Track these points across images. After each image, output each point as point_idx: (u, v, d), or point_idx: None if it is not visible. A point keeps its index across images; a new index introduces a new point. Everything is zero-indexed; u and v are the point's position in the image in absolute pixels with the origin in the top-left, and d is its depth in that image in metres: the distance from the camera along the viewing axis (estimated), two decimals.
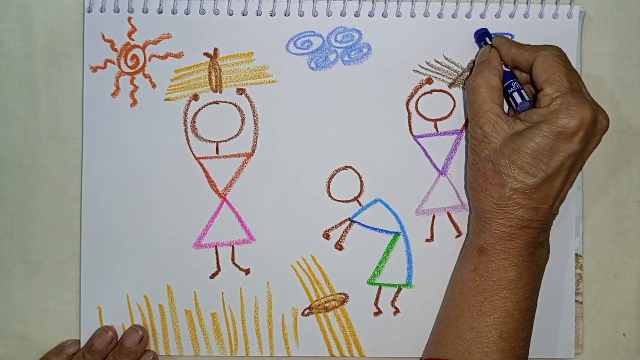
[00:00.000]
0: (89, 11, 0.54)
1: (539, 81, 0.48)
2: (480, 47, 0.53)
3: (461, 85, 0.55)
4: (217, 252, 0.54)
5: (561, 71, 0.47)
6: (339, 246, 0.54)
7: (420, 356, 0.54)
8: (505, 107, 0.51)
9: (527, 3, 0.54)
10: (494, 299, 0.48)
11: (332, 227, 0.54)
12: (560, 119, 0.46)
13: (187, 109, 0.54)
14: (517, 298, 0.48)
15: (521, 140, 0.47)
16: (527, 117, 0.48)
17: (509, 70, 0.51)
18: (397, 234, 0.54)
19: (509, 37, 0.53)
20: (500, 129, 0.48)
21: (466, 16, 0.54)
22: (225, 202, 0.54)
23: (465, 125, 0.54)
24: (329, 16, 0.54)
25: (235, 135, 0.54)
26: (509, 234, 0.48)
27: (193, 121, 0.54)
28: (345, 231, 0.54)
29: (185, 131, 0.54)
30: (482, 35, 0.53)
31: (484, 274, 0.48)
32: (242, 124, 0.54)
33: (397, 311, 0.54)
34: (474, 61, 0.54)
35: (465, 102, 0.54)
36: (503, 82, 0.50)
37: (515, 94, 0.49)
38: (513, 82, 0.50)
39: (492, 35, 0.53)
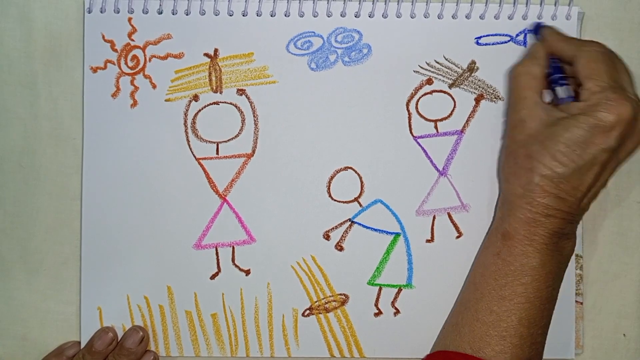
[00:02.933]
0: (89, 11, 0.54)
1: (581, 76, 0.48)
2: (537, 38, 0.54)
3: (461, 86, 0.55)
4: (217, 253, 0.54)
5: (603, 67, 0.47)
6: (339, 247, 0.54)
7: (422, 356, 0.54)
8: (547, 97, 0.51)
9: (526, 4, 0.54)
10: (515, 284, 0.48)
11: (333, 228, 0.54)
12: (599, 112, 0.46)
13: (187, 110, 0.54)
14: (539, 285, 0.48)
15: (557, 128, 0.47)
16: (565, 109, 0.48)
17: (557, 64, 0.51)
18: (397, 234, 0.54)
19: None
20: (537, 115, 0.48)
21: (466, 17, 0.54)
22: (225, 203, 0.54)
23: (465, 126, 0.55)
24: (329, 17, 0.54)
25: (236, 136, 0.54)
26: (534, 220, 0.48)
27: (193, 122, 0.54)
28: (346, 232, 0.54)
29: (186, 132, 0.54)
30: (537, 29, 0.53)
31: (506, 259, 0.48)
32: (243, 124, 0.54)
33: (397, 312, 0.54)
34: (474, 62, 0.54)
35: (465, 102, 0.54)
36: (550, 74, 0.50)
37: (559, 89, 0.50)
38: (559, 75, 0.50)
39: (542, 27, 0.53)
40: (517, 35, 0.54)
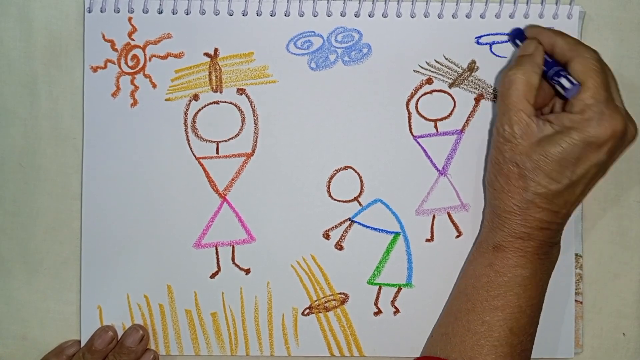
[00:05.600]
0: (89, 11, 0.54)
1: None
2: (516, 46, 0.53)
3: (461, 86, 0.55)
4: (217, 252, 0.54)
5: (599, 78, 0.47)
6: (339, 246, 0.54)
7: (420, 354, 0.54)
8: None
9: (527, 3, 0.54)
10: (507, 295, 0.48)
11: (332, 227, 0.54)
12: (593, 128, 0.45)
13: (187, 109, 0.54)
14: (530, 295, 0.48)
15: (550, 146, 0.46)
16: (557, 121, 0.47)
17: (550, 59, 0.49)
18: (397, 234, 0.54)
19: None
20: (531, 131, 0.47)
21: (466, 16, 0.54)
22: (225, 202, 0.54)
23: (465, 126, 0.54)
24: (329, 16, 0.54)
25: (236, 136, 0.54)
26: (528, 234, 0.48)
27: (193, 121, 0.54)
28: (346, 231, 0.54)
29: (186, 131, 0.54)
30: (517, 35, 0.52)
31: (499, 270, 0.48)
32: (243, 124, 0.54)
33: (397, 311, 0.54)
34: (474, 61, 0.54)
35: (464, 102, 0.54)
36: (546, 72, 0.49)
37: (563, 79, 0.48)
38: (557, 68, 0.48)
39: (526, 28, 0.52)
40: (518, 29, 0.54)
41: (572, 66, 0.48)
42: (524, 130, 0.47)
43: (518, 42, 0.52)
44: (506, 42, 0.54)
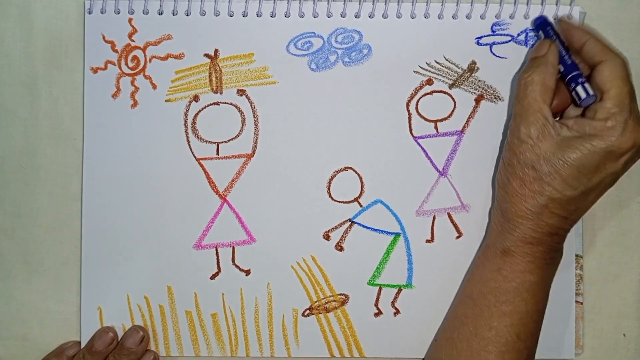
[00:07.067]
0: (90, 12, 0.54)
1: (600, 86, 0.47)
2: (538, 37, 0.52)
3: (462, 86, 0.55)
4: (217, 253, 0.54)
5: (626, 87, 0.46)
6: (339, 247, 0.54)
7: (422, 356, 0.54)
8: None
9: (527, 4, 0.54)
10: (516, 301, 0.48)
11: (333, 228, 0.54)
12: (616, 138, 0.45)
13: (187, 110, 0.54)
14: (537, 300, 0.48)
15: (570, 151, 0.46)
16: (577, 126, 0.47)
17: (571, 61, 0.48)
18: (397, 234, 0.54)
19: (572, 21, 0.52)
20: (548, 133, 0.46)
21: (466, 17, 0.54)
22: (225, 203, 0.54)
23: (465, 126, 0.54)
24: (329, 17, 0.54)
25: (236, 136, 0.54)
26: (538, 239, 0.47)
27: (193, 122, 0.54)
28: (346, 232, 0.54)
29: (186, 132, 0.54)
30: (541, 24, 0.51)
31: (508, 275, 0.48)
32: (243, 125, 0.54)
33: (397, 312, 0.54)
34: (474, 62, 0.54)
35: (465, 102, 0.54)
36: (566, 75, 0.48)
37: (580, 89, 0.47)
38: (577, 75, 0.48)
39: (556, 20, 0.51)
40: (519, 34, 0.54)
41: (599, 69, 0.47)
42: (542, 132, 0.47)
43: (542, 33, 0.51)
44: (506, 42, 0.54)
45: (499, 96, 0.54)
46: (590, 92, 0.47)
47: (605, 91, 0.47)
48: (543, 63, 0.48)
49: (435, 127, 0.55)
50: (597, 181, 0.46)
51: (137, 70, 0.54)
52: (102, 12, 0.54)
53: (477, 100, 0.54)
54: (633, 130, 0.45)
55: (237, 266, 0.54)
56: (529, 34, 0.54)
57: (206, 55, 0.54)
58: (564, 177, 0.46)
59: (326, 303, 0.54)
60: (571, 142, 0.46)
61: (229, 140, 0.54)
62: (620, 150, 0.45)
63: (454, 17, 0.54)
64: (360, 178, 0.54)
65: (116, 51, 0.54)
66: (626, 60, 0.48)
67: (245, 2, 0.54)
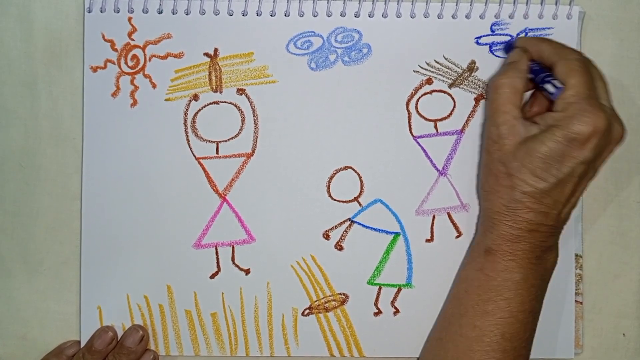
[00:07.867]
0: (89, 11, 0.54)
1: (562, 83, 0.48)
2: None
3: (461, 86, 0.55)
4: (217, 252, 0.54)
5: (580, 77, 0.47)
6: (339, 246, 0.54)
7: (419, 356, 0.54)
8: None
9: (526, 4, 0.54)
10: (498, 299, 0.48)
11: (332, 228, 0.54)
12: (574, 124, 0.46)
13: (187, 109, 0.54)
14: (522, 300, 0.48)
15: (534, 144, 0.47)
16: (541, 121, 0.48)
17: (537, 65, 0.50)
18: (397, 234, 0.54)
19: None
20: (517, 132, 0.48)
21: (466, 17, 0.54)
22: (225, 202, 0.54)
23: (465, 126, 0.55)
24: (329, 16, 0.54)
25: (236, 136, 0.54)
26: (517, 236, 0.48)
27: (193, 121, 0.54)
28: (345, 231, 0.54)
29: (186, 131, 0.54)
30: (510, 47, 0.53)
31: (489, 274, 0.49)
32: (242, 124, 0.54)
33: (397, 311, 0.54)
34: (474, 61, 0.54)
35: (464, 102, 0.54)
36: (534, 79, 0.50)
37: (548, 85, 0.49)
38: (545, 75, 0.49)
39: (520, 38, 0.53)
40: (518, 34, 0.54)
41: (556, 69, 0.48)
42: (511, 130, 0.48)
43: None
44: (506, 42, 0.54)
45: None
46: (558, 85, 0.49)
47: (564, 85, 0.48)
48: (512, 68, 0.50)
49: (435, 127, 0.55)
50: (567, 171, 0.46)
51: (137, 69, 0.54)
52: (101, 11, 0.54)
53: (477, 100, 0.55)
54: (592, 115, 0.46)
55: (236, 265, 0.54)
56: (529, 34, 0.54)
57: (206, 54, 0.54)
58: (532, 170, 0.47)
59: (326, 302, 0.54)
60: (536, 136, 0.47)
61: (228, 140, 0.54)
62: (581, 137, 0.46)
63: (453, 17, 0.54)
64: (360, 177, 0.54)
65: (116, 50, 0.54)
66: (584, 55, 0.49)
67: (245, 1, 0.54)
